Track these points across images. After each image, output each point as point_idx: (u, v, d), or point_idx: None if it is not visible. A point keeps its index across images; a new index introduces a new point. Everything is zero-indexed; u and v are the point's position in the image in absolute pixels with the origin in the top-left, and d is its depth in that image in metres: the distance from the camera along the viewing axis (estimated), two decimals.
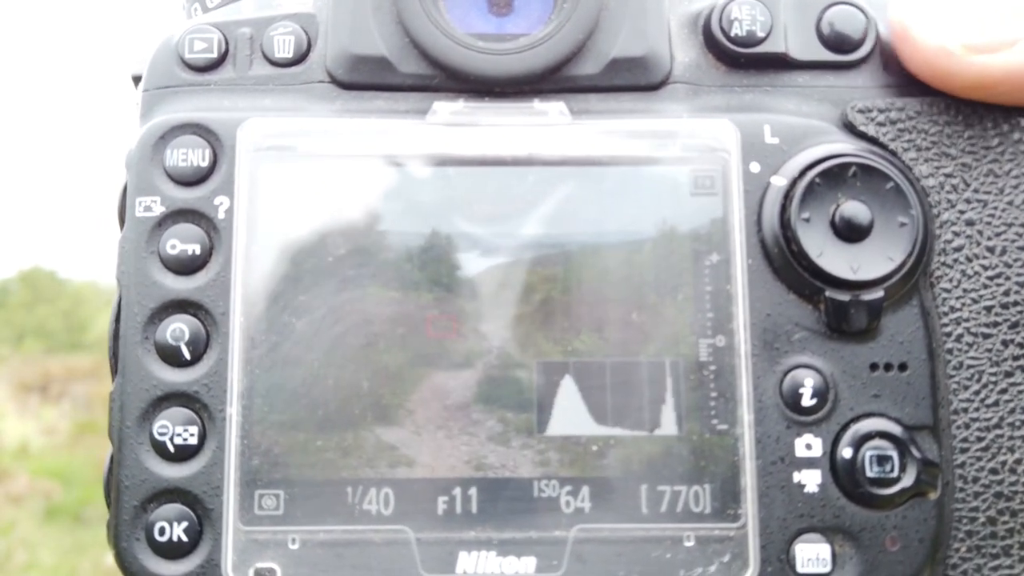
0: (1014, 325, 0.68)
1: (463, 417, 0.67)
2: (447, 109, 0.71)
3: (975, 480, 0.67)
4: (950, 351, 0.68)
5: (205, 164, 0.69)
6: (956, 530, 0.67)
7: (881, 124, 0.70)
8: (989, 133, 0.70)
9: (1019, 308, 0.68)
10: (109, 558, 0.68)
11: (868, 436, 0.66)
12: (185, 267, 0.68)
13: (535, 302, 0.69)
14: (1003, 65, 0.67)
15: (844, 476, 0.66)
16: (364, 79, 0.71)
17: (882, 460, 0.66)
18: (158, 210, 0.69)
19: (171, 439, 0.67)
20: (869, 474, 0.66)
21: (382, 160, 0.70)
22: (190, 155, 0.69)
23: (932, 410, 0.67)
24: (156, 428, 0.67)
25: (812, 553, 0.66)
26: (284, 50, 0.72)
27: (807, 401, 0.67)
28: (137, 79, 0.74)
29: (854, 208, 0.68)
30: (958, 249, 0.69)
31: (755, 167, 0.69)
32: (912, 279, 0.68)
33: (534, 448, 0.67)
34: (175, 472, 0.66)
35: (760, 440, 0.67)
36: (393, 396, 0.67)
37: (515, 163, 0.70)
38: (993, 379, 0.68)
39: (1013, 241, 0.69)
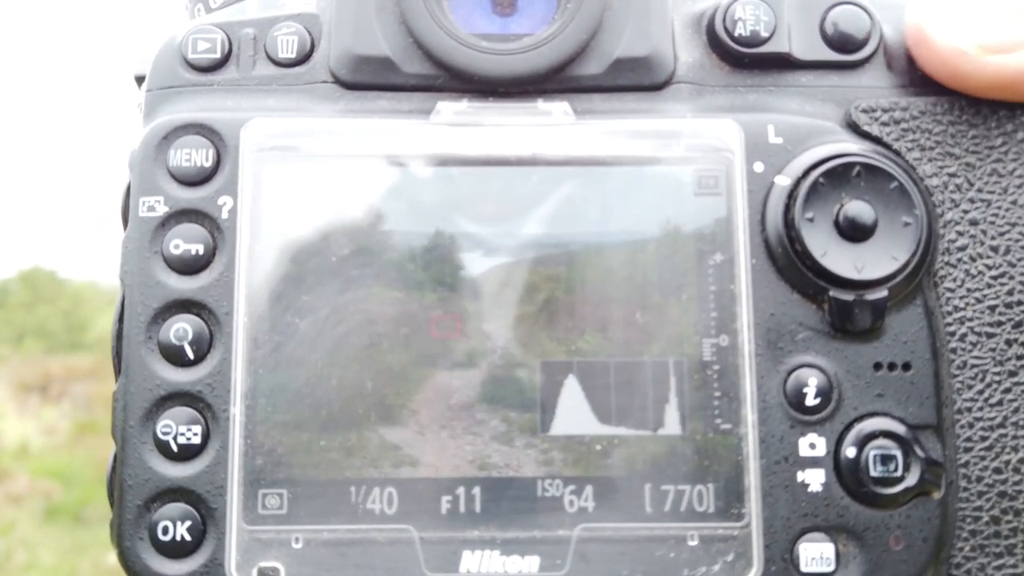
0: (1018, 324, 0.68)
1: (467, 417, 0.67)
2: (451, 109, 0.71)
3: (979, 479, 0.67)
4: (954, 350, 0.68)
5: (208, 164, 0.69)
6: (960, 529, 0.67)
7: (885, 124, 0.70)
8: (993, 133, 0.70)
9: (1023, 307, 0.68)
10: (109, 558, 0.68)
11: (872, 435, 0.66)
12: (188, 267, 0.68)
13: (539, 302, 0.69)
14: (1019, 65, 0.67)
15: (848, 475, 0.66)
16: (368, 79, 0.71)
17: (886, 459, 0.66)
18: (161, 210, 0.69)
19: (174, 439, 0.67)
20: (873, 473, 0.66)
21: (385, 160, 0.70)
22: (193, 155, 0.69)
23: (936, 409, 0.67)
24: (159, 428, 0.67)
25: (816, 552, 0.66)
26: (288, 50, 0.72)
27: (811, 400, 0.67)
28: (140, 79, 0.74)
29: (858, 208, 0.68)
30: (962, 249, 0.69)
31: (759, 167, 0.69)
32: (916, 279, 0.68)
33: (538, 447, 0.67)
34: (178, 471, 0.67)
35: (764, 439, 0.67)
36: (397, 396, 0.67)
37: (519, 163, 0.70)
38: (997, 378, 0.68)
39: (1017, 240, 0.69)
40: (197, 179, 0.69)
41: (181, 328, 0.68)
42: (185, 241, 0.69)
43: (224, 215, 0.69)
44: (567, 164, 0.70)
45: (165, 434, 0.67)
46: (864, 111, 0.70)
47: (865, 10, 0.72)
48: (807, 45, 0.72)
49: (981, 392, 0.68)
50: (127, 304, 0.69)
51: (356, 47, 0.71)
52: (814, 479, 0.66)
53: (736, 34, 0.71)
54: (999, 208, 0.69)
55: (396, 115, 0.71)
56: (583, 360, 0.68)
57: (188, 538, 0.66)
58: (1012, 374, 0.68)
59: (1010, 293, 0.69)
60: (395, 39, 0.71)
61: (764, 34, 0.71)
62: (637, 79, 0.71)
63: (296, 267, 0.69)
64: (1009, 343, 0.68)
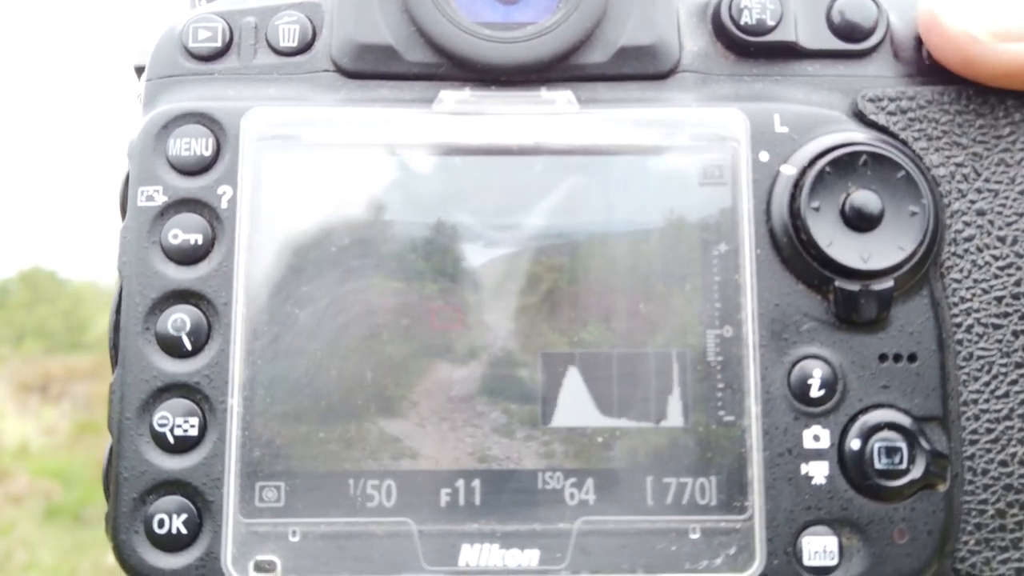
0: None
1: (467, 409, 0.67)
2: (453, 98, 0.70)
3: (984, 472, 0.67)
4: (960, 342, 0.68)
5: (208, 153, 0.69)
6: (965, 523, 0.67)
7: (892, 113, 0.70)
8: (1000, 122, 0.70)
9: None
10: (109, 558, 0.68)
11: (877, 427, 0.66)
12: (187, 257, 0.68)
13: (541, 292, 0.68)
14: None
15: (852, 468, 0.65)
16: (369, 68, 0.71)
17: (891, 452, 0.65)
18: (160, 200, 0.68)
19: (171, 430, 0.66)
20: (877, 466, 0.65)
21: (387, 149, 0.69)
22: (193, 144, 0.69)
23: (942, 401, 0.67)
24: (156, 419, 0.66)
25: (819, 545, 0.65)
26: (289, 39, 0.72)
27: (815, 392, 0.66)
28: (140, 70, 0.74)
29: (864, 197, 0.67)
30: (969, 239, 0.68)
31: (764, 156, 0.69)
32: (922, 269, 0.67)
33: (539, 440, 0.66)
34: (175, 464, 0.66)
35: (767, 431, 0.66)
36: (397, 387, 0.67)
37: (522, 152, 0.69)
38: (1003, 370, 0.67)
39: None
40: (196, 168, 0.69)
41: (179, 319, 0.67)
42: (184, 231, 0.68)
43: (223, 205, 0.68)
44: (570, 153, 0.69)
45: (162, 426, 0.66)
46: (871, 100, 0.70)
47: None
48: (813, 34, 0.71)
49: (987, 384, 0.67)
50: (125, 295, 0.68)
51: (358, 35, 0.71)
52: (818, 471, 0.66)
53: (742, 23, 0.71)
54: (1006, 198, 0.69)
55: (398, 104, 0.70)
56: (585, 351, 0.67)
57: (184, 531, 0.65)
58: (1019, 366, 0.67)
59: (1017, 284, 0.68)
60: (397, 27, 0.71)
61: (770, 23, 0.71)
62: (642, 68, 0.71)
63: (296, 257, 0.68)
64: (1016, 334, 0.68)
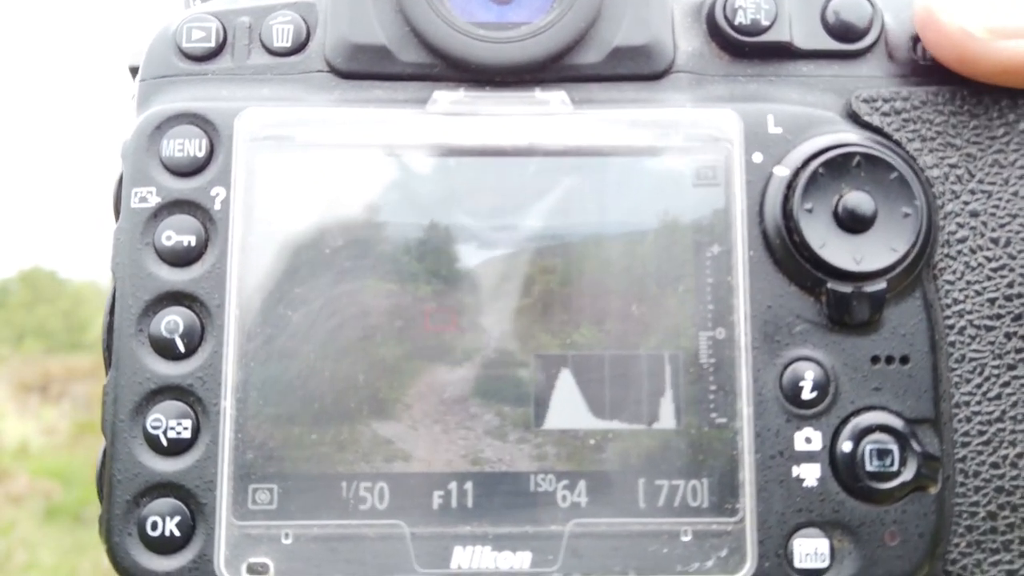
0: (1017, 317, 0.68)
1: (460, 411, 0.67)
2: (447, 98, 0.70)
3: (976, 474, 0.67)
4: (952, 344, 0.68)
5: (202, 154, 0.69)
6: (956, 525, 0.66)
7: (886, 114, 0.70)
8: (994, 123, 0.69)
9: (1022, 300, 0.68)
10: None
11: (868, 429, 0.66)
12: (180, 258, 0.68)
13: (534, 294, 0.68)
14: None
15: (844, 470, 0.65)
16: (363, 68, 0.71)
17: (882, 454, 0.65)
18: (154, 201, 0.68)
19: (164, 432, 0.66)
20: (869, 468, 0.65)
21: (381, 150, 0.69)
22: (187, 145, 0.69)
23: (934, 403, 0.67)
24: (149, 421, 0.66)
25: (810, 548, 0.65)
26: (283, 39, 0.72)
27: (807, 394, 0.66)
28: (135, 70, 0.74)
29: (857, 198, 0.67)
30: (962, 240, 0.68)
31: (758, 157, 0.68)
32: (915, 271, 0.67)
33: (531, 442, 0.66)
34: (168, 466, 0.66)
35: (759, 434, 0.66)
36: (390, 390, 0.67)
37: (515, 153, 0.69)
38: (995, 372, 0.67)
39: (1017, 232, 0.68)
40: (190, 169, 0.69)
41: (172, 321, 0.67)
42: (177, 232, 0.68)
43: (217, 206, 0.68)
44: (564, 154, 0.69)
45: (155, 428, 0.66)
46: (865, 101, 0.70)
47: None
48: (808, 34, 0.71)
49: (979, 386, 0.67)
50: (118, 296, 0.68)
51: (352, 36, 0.70)
52: (809, 474, 0.66)
53: (736, 23, 0.71)
54: (1000, 199, 0.69)
55: (392, 104, 0.70)
56: (578, 354, 0.67)
57: (177, 533, 0.65)
58: (1011, 368, 0.67)
59: (1010, 286, 0.68)
60: (391, 27, 0.71)
61: (765, 23, 0.71)
62: (636, 68, 0.71)
63: (289, 259, 0.68)
64: (1008, 336, 0.68)
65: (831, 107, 0.70)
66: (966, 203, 0.69)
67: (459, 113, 0.69)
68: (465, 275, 0.68)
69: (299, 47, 0.72)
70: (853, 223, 0.67)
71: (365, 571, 0.65)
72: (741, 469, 0.66)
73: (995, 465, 0.67)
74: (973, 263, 0.68)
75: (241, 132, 0.69)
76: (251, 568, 0.65)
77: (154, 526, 0.65)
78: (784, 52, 0.71)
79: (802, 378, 0.66)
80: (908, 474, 0.65)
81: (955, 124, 0.69)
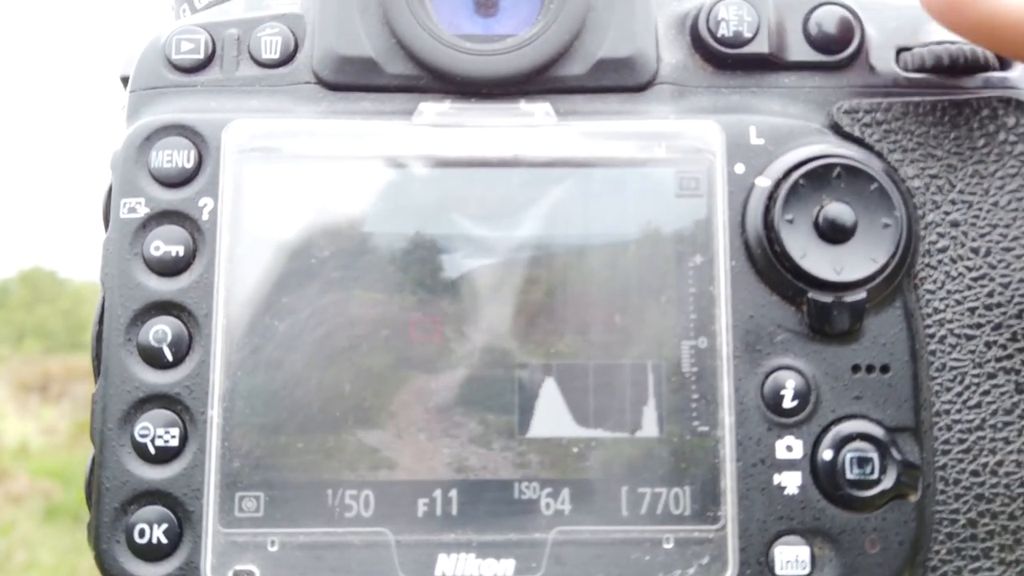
0: (997, 327, 0.68)
1: (445, 419, 0.67)
2: (433, 110, 0.70)
3: (956, 482, 0.67)
4: (933, 353, 0.68)
5: (190, 165, 0.69)
6: (936, 532, 0.67)
7: (867, 125, 0.70)
8: (975, 134, 0.70)
9: (1003, 310, 0.68)
10: None
11: (849, 438, 0.66)
12: (169, 268, 0.68)
13: (519, 304, 0.68)
14: (1022, 11, 0.63)
15: (824, 478, 0.66)
16: (350, 80, 0.71)
17: (862, 462, 0.66)
18: (142, 211, 0.69)
19: (152, 441, 0.66)
20: (849, 476, 0.66)
21: (367, 161, 0.70)
22: (175, 156, 0.69)
23: (914, 412, 0.67)
24: (138, 430, 0.67)
25: (791, 555, 0.66)
26: (271, 51, 0.72)
27: (788, 403, 0.67)
28: (126, 80, 0.74)
29: (838, 209, 0.67)
30: (943, 250, 0.69)
31: (740, 168, 0.69)
32: (895, 280, 0.68)
33: (515, 450, 0.67)
34: (156, 474, 0.66)
35: (741, 442, 0.66)
36: (375, 399, 0.67)
37: (500, 164, 0.69)
38: (976, 381, 0.68)
39: (997, 242, 0.69)
40: (178, 180, 0.69)
41: (160, 330, 0.68)
42: (165, 243, 0.68)
43: (205, 216, 0.68)
44: (549, 165, 0.69)
45: (143, 436, 0.67)
46: (846, 112, 0.70)
47: (849, 11, 0.72)
48: (791, 46, 0.72)
49: (960, 395, 0.68)
50: (107, 306, 0.68)
51: (339, 48, 0.71)
52: (790, 482, 0.66)
53: (719, 35, 0.71)
54: (980, 210, 0.69)
55: (379, 116, 0.70)
56: (562, 363, 0.68)
57: (164, 541, 0.66)
58: (991, 376, 0.68)
59: (990, 295, 0.68)
60: (378, 40, 0.71)
61: (747, 35, 0.71)
62: (620, 80, 0.71)
63: (276, 269, 0.68)
64: (988, 345, 0.68)
65: (813, 118, 0.70)
66: (947, 213, 0.69)
67: (445, 125, 0.70)
68: (450, 285, 0.68)
69: (287, 59, 0.72)
70: (833, 233, 0.67)
71: None
72: (723, 477, 0.66)
73: (975, 473, 0.67)
74: (954, 273, 0.69)
75: (229, 144, 0.69)
76: (238, 575, 0.66)
77: (142, 533, 0.66)
78: (766, 64, 0.71)
79: (783, 387, 0.67)
80: (888, 482, 0.66)
81: (936, 135, 0.70)
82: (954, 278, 0.69)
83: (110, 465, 0.66)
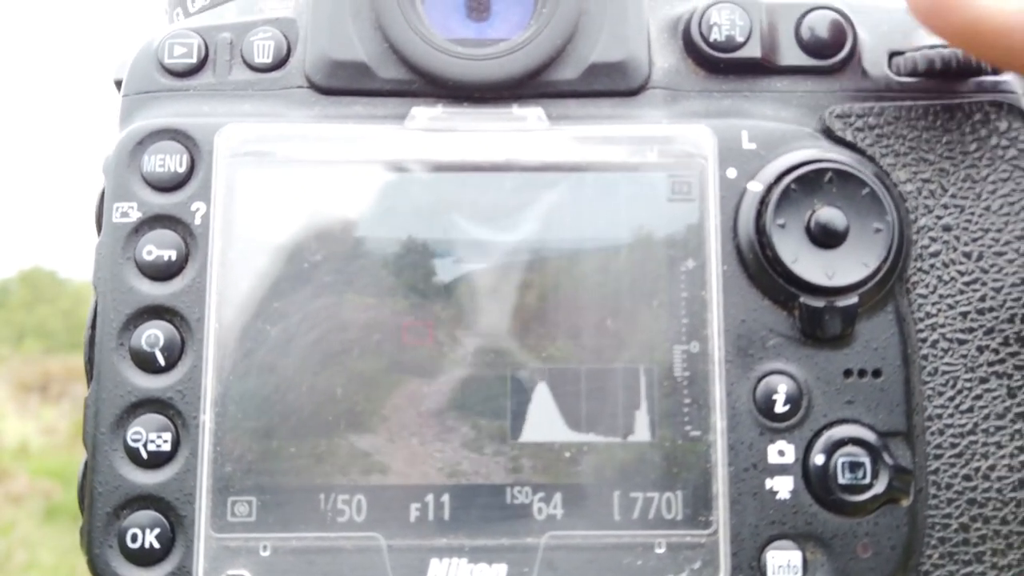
0: (989, 331, 0.68)
1: (437, 424, 0.67)
2: (425, 115, 0.70)
3: (948, 487, 0.67)
4: (925, 357, 0.68)
5: (182, 170, 0.69)
6: (929, 537, 0.67)
7: (859, 130, 0.70)
8: (967, 138, 0.70)
9: (995, 314, 0.68)
10: None
11: (841, 442, 0.66)
12: (161, 273, 0.68)
13: (511, 308, 0.68)
14: (1005, 17, 0.62)
15: (816, 483, 0.66)
16: (343, 84, 0.71)
17: (854, 467, 0.66)
18: (135, 216, 0.69)
19: (144, 445, 0.66)
20: (841, 480, 0.66)
21: (360, 166, 0.70)
22: (167, 161, 0.69)
23: (906, 416, 0.67)
24: (130, 434, 0.67)
25: (783, 560, 0.66)
26: (264, 55, 0.72)
27: (780, 407, 0.66)
28: (119, 84, 0.74)
29: (829, 214, 0.67)
30: (935, 255, 0.69)
31: (732, 173, 0.69)
32: (887, 285, 0.68)
33: (507, 455, 0.67)
34: (148, 479, 0.66)
35: (733, 447, 0.66)
36: (367, 403, 0.67)
37: (492, 169, 0.69)
38: (968, 385, 0.68)
39: (990, 247, 0.69)
40: (171, 185, 0.69)
41: (153, 334, 0.68)
42: (158, 247, 0.68)
43: (197, 221, 0.69)
44: (541, 170, 0.69)
45: (135, 441, 0.67)
46: (839, 117, 0.70)
47: (841, 15, 0.72)
48: (783, 50, 0.72)
49: (952, 399, 0.68)
50: (99, 310, 0.68)
51: (332, 52, 0.71)
52: (782, 486, 0.66)
53: (711, 39, 0.71)
54: (972, 214, 0.69)
55: (371, 120, 0.70)
56: (554, 367, 0.68)
57: (157, 546, 0.66)
58: (983, 381, 0.68)
59: (982, 299, 0.68)
60: (370, 44, 0.71)
61: (739, 39, 0.71)
62: (612, 84, 0.71)
63: (269, 273, 0.68)
64: (980, 349, 0.68)
65: (805, 123, 0.70)
66: (939, 217, 0.69)
67: (437, 129, 0.70)
68: (443, 289, 0.68)
69: (280, 63, 0.72)
70: (825, 238, 0.67)
71: None
72: (715, 482, 0.66)
73: (967, 477, 0.67)
74: (946, 277, 0.69)
75: (221, 148, 0.69)
76: None
77: (134, 538, 0.66)
78: (759, 68, 0.71)
79: (775, 391, 0.67)
80: (880, 487, 0.66)
81: (928, 139, 0.70)
82: (946, 282, 0.69)
83: (102, 470, 0.67)
